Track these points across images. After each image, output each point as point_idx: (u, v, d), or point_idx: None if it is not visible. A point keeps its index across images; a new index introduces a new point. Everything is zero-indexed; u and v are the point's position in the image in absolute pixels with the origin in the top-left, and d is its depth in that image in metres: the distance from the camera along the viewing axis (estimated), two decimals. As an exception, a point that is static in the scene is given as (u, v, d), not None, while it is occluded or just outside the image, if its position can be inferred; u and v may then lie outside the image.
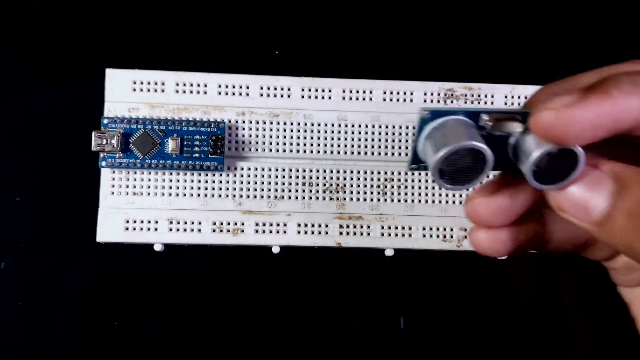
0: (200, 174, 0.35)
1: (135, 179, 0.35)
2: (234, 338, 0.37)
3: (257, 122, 0.35)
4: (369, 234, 0.35)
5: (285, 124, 0.36)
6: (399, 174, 0.36)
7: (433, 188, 0.36)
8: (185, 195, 0.35)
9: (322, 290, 0.38)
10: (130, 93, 0.35)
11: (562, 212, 0.20)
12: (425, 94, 0.36)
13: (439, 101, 0.36)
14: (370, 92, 0.36)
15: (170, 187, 0.35)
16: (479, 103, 0.36)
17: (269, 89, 0.36)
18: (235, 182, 0.35)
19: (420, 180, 0.36)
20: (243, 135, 0.35)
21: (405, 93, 0.36)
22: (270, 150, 0.35)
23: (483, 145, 0.20)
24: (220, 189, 0.35)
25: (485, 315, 0.38)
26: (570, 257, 0.37)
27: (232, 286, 0.38)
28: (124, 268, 0.37)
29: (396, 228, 0.35)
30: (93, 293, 0.37)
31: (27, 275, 0.37)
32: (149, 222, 0.35)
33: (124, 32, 0.39)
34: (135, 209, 0.35)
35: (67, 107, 0.38)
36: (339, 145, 0.36)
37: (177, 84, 0.35)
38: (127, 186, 0.35)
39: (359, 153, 0.36)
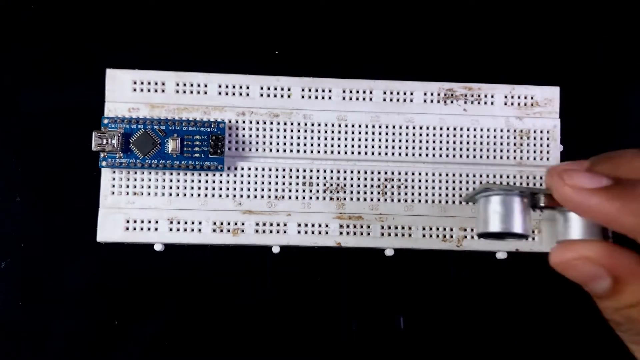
0: (200, 174, 0.35)
1: (135, 179, 0.35)
2: (234, 338, 0.37)
3: (257, 122, 0.35)
4: (368, 234, 0.35)
5: (285, 124, 0.36)
6: (399, 173, 0.36)
7: (433, 188, 0.36)
8: (185, 195, 0.35)
9: (322, 290, 0.38)
10: (131, 93, 0.35)
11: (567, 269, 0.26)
12: (425, 94, 0.36)
13: (439, 101, 0.36)
14: (370, 92, 0.36)
15: (171, 187, 0.35)
16: (478, 103, 0.36)
17: (269, 89, 0.36)
18: (235, 182, 0.35)
19: (420, 180, 0.36)
20: (243, 136, 0.35)
21: (405, 93, 0.36)
22: (270, 150, 0.35)
23: (527, 233, 0.27)
24: (221, 189, 0.35)
25: (486, 315, 0.38)
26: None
27: (232, 286, 0.38)
28: (124, 268, 0.37)
29: (396, 228, 0.35)
30: (93, 293, 0.37)
31: (27, 275, 0.37)
32: (149, 222, 0.35)
33: (124, 32, 0.39)
34: (135, 209, 0.35)
35: (67, 107, 0.38)
36: (339, 145, 0.36)
37: (178, 84, 0.35)
38: (128, 186, 0.35)
39: (359, 153, 0.36)
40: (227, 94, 0.36)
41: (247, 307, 0.37)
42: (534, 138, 0.36)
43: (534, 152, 0.36)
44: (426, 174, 0.36)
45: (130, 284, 0.37)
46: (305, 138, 0.36)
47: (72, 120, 0.37)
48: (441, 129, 0.36)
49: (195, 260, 0.37)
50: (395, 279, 0.38)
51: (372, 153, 0.36)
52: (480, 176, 0.36)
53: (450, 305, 0.38)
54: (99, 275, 0.37)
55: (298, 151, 0.36)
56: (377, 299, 0.38)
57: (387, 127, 0.36)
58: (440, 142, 0.36)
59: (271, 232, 0.35)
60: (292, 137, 0.36)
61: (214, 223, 0.35)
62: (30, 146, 0.38)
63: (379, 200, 0.35)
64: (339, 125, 0.36)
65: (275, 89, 0.36)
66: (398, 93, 0.36)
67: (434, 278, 0.38)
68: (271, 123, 0.35)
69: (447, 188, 0.36)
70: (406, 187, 0.36)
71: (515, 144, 0.36)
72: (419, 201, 0.36)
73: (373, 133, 0.36)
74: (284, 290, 0.38)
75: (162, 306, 0.37)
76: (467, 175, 0.36)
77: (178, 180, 0.35)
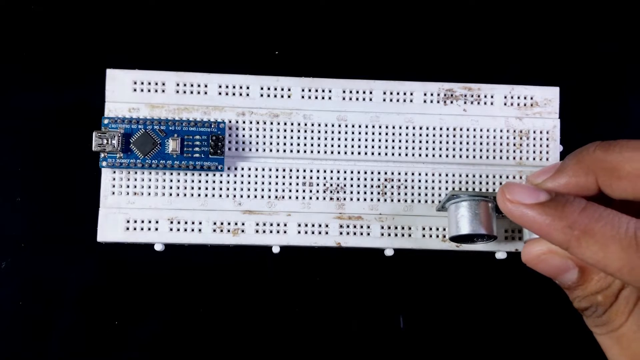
0: (200, 174, 0.35)
1: (135, 179, 0.35)
2: (234, 338, 0.37)
3: (257, 123, 0.35)
4: (368, 234, 0.35)
5: (285, 124, 0.36)
6: (399, 174, 0.36)
7: (432, 188, 0.36)
8: (185, 195, 0.35)
9: (322, 290, 0.38)
10: (131, 93, 0.35)
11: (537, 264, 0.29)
12: (425, 94, 0.36)
13: (438, 102, 0.36)
14: (370, 93, 0.36)
15: (171, 187, 0.35)
16: (478, 103, 0.36)
17: (269, 89, 0.36)
18: (235, 182, 0.35)
19: (420, 181, 0.36)
20: (243, 136, 0.35)
21: (405, 93, 0.36)
22: (271, 150, 0.35)
23: (493, 234, 0.32)
24: (221, 189, 0.35)
25: (485, 315, 0.38)
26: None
27: (232, 286, 0.38)
28: (124, 268, 0.37)
29: (396, 228, 0.35)
30: (93, 293, 0.37)
31: (27, 275, 0.37)
32: (150, 222, 0.35)
33: (124, 32, 0.39)
34: (135, 208, 0.35)
35: (67, 108, 0.38)
36: (338, 146, 0.36)
37: (178, 84, 0.35)
38: (128, 186, 0.35)
39: (359, 153, 0.36)
40: (227, 94, 0.36)
41: (248, 307, 0.37)
42: (534, 138, 0.36)
43: (534, 152, 0.36)
44: (426, 174, 0.36)
45: (131, 284, 0.37)
46: (305, 138, 0.36)
47: (72, 120, 0.37)
48: (441, 129, 0.36)
49: (196, 260, 0.37)
50: (395, 279, 0.38)
51: (372, 153, 0.36)
52: (480, 176, 0.36)
53: (450, 305, 0.38)
54: (99, 275, 0.37)
55: (298, 151, 0.36)
56: (377, 299, 0.38)
57: (386, 127, 0.36)
58: (440, 142, 0.36)
59: (271, 232, 0.35)
60: (292, 137, 0.36)
61: (214, 223, 0.35)
62: (30, 146, 0.38)
63: (378, 200, 0.35)
64: (339, 126, 0.36)
65: (275, 89, 0.36)
66: (398, 93, 0.36)
67: (434, 278, 0.38)
68: (271, 123, 0.36)
69: (447, 188, 0.36)
70: (406, 187, 0.36)
71: (515, 144, 0.36)
72: (419, 201, 0.36)
73: (373, 133, 0.36)
74: (284, 290, 0.38)
75: (162, 306, 0.37)
76: (467, 176, 0.36)
77: (178, 181, 0.35)
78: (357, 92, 0.36)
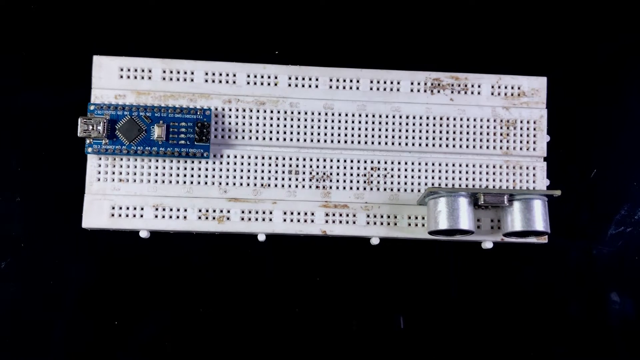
0: (186, 161, 0.35)
1: (121, 166, 0.35)
2: (234, 337, 0.37)
3: (244, 110, 0.36)
4: (354, 223, 0.35)
5: (271, 112, 0.36)
6: (385, 162, 0.36)
7: (419, 177, 0.36)
8: (171, 182, 0.35)
9: (322, 290, 0.37)
10: (117, 80, 0.35)
11: None
12: (412, 84, 0.36)
13: (425, 91, 0.36)
14: (357, 81, 0.36)
15: (156, 174, 0.35)
16: (465, 93, 0.36)
17: (255, 77, 0.36)
18: (221, 170, 0.35)
19: (406, 170, 0.36)
20: (229, 123, 0.35)
21: (392, 82, 0.36)
22: (257, 138, 0.35)
23: (470, 229, 0.33)
24: (206, 176, 0.35)
25: (485, 314, 0.37)
26: (570, 260, 0.37)
27: (232, 285, 0.37)
28: (124, 268, 0.37)
29: (381, 217, 0.35)
30: (93, 293, 0.37)
31: (27, 275, 0.37)
32: (135, 208, 0.35)
33: (111, 19, 0.39)
34: (121, 195, 0.35)
35: (67, 108, 0.37)
36: (325, 134, 0.36)
37: (164, 71, 0.36)
38: (113, 172, 0.35)
39: (345, 142, 0.36)
40: (213, 81, 0.36)
41: (248, 307, 0.37)
42: (521, 128, 0.36)
43: (521, 142, 0.36)
44: (412, 163, 0.36)
45: (130, 284, 0.37)
46: (291, 126, 0.36)
47: (72, 120, 0.37)
48: (427, 118, 0.36)
49: (195, 260, 0.37)
50: (395, 279, 0.38)
51: (359, 142, 0.36)
52: (467, 166, 0.36)
53: (450, 304, 0.38)
54: (99, 275, 0.37)
55: (284, 139, 0.36)
56: (377, 298, 0.37)
57: (373, 116, 0.36)
58: (427, 131, 0.36)
59: (257, 220, 0.35)
60: (278, 125, 0.36)
61: (199, 210, 0.35)
62: (30, 146, 0.38)
63: (364, 189, 0.35)
64: (326, 114, 0.36)
65: (262, 76, 0.36)
66: (385, 82, 0.36)
67: (434, 278, 0.38)
68: (257, 111, 0.36)
69: (432, 177, 0.36)
70: (392, 176, 0.36)
71: (501, 134, 0.36)
72: (405, 190, 0.36)
73: (359, 122, 0.36)
74: (284, 290, 0.37)
75: (161, 306, 0.37)
76: (454, 165, 0.36)
77: (164, 167, 0.35)
78: (344, 80, 0.36)
